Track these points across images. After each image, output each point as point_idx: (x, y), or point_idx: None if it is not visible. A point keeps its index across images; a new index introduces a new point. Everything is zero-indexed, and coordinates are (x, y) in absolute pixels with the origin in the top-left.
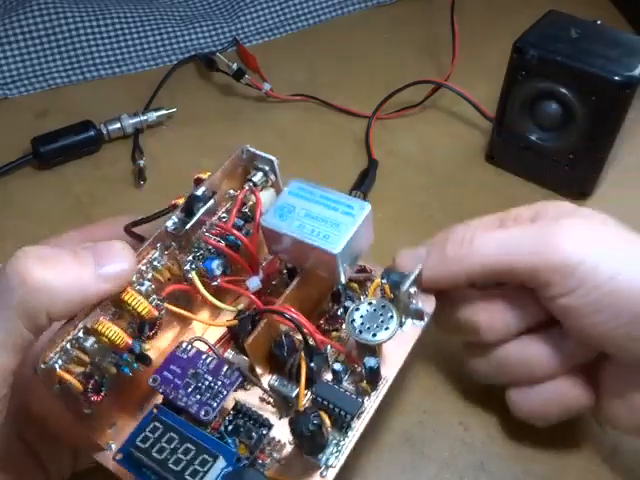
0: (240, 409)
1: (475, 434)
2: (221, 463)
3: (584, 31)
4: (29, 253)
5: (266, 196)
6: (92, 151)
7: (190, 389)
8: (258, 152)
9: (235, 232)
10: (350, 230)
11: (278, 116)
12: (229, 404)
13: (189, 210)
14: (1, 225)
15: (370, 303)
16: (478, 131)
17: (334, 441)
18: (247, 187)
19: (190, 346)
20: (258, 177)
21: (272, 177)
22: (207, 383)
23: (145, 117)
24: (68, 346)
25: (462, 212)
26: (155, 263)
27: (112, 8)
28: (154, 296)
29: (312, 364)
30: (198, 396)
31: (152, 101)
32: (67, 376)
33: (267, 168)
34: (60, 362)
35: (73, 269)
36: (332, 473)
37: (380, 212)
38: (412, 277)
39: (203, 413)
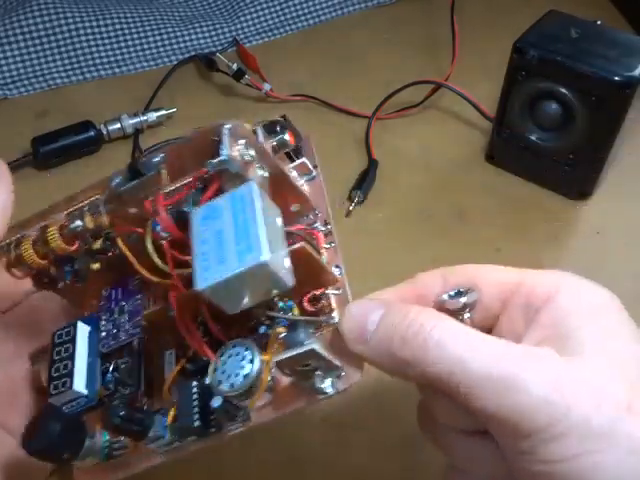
0: (131, 363)
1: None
2: (74, 393)
3: (584, 31)
4: None
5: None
6: (92, 151)
7: (111, 317)
8: (224, 138)
9: (161, 211)
10: (225, 274)
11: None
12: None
13: (129, 175)
14: None
15: (247, 348)
16: (478, 131)
17: (169, 438)
18: (205, 168)
19: (138, 283)
20: (215, 163)
21: (234, 168)
22: (121, 321)
23: (145, 117)
24: (9, 244)
25: (462, 212)
26: (99, 207)
27: (112, 8)
28: (109, 230)
29: (188, 364)
30: (110, 327)
31: (152, 101)
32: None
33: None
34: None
35: None
36: (151, 461)
37: (380, 212)
38: (290, 354)
39: (101, 345)
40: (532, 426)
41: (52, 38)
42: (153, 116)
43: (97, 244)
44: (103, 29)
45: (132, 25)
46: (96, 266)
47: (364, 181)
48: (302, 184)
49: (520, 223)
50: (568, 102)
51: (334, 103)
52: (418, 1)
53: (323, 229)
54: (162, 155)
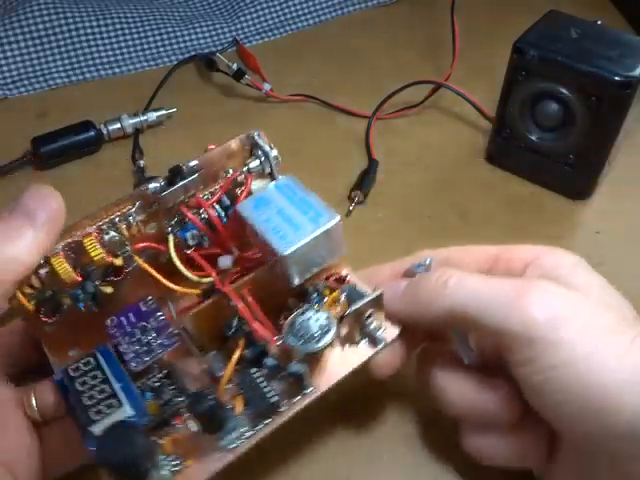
0: (170, 373)
1: None
2: (125, 412)
3: (584, 31)
4: None
5: (260, 185)
6: (92, 151)
7: (134, 339)
8: (259, 140)
9: (208, 208)
10: (307, 236)
11: (278, 116)
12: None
13: (171, 179)
14: None
15: (317, 311)
16: (478, 131)
17: (241, 429)
18: (240, 171)
19: (153, 302)
20: (254, 164)
21: (267, 168)
22: (149, 339)
23: (145, 117)
24: None
25: (462, 212)
26: (130, 218)
27: (112, 8)
28: (127, 247)
29: (246, 351)
30: (137, 347)
31: (152, 101)
32: (20, 296)
33: (263, 158)
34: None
35: (12, 237)
36: (227, 457)
37: (380, 212)
38: (365, 300)
39: (134, 364)
40: (538, 332)
41: (52, 38)
42: (153, 116)
43: (118, 260)
44: (103, 29)
45: (132, 25)
46: (109, 290)
47: (364, 181)
48: None
49: (520, 223)
50: (568, 102)
51: (334, 103)
52: (418, 1)
53: None
54: (197, 162)
